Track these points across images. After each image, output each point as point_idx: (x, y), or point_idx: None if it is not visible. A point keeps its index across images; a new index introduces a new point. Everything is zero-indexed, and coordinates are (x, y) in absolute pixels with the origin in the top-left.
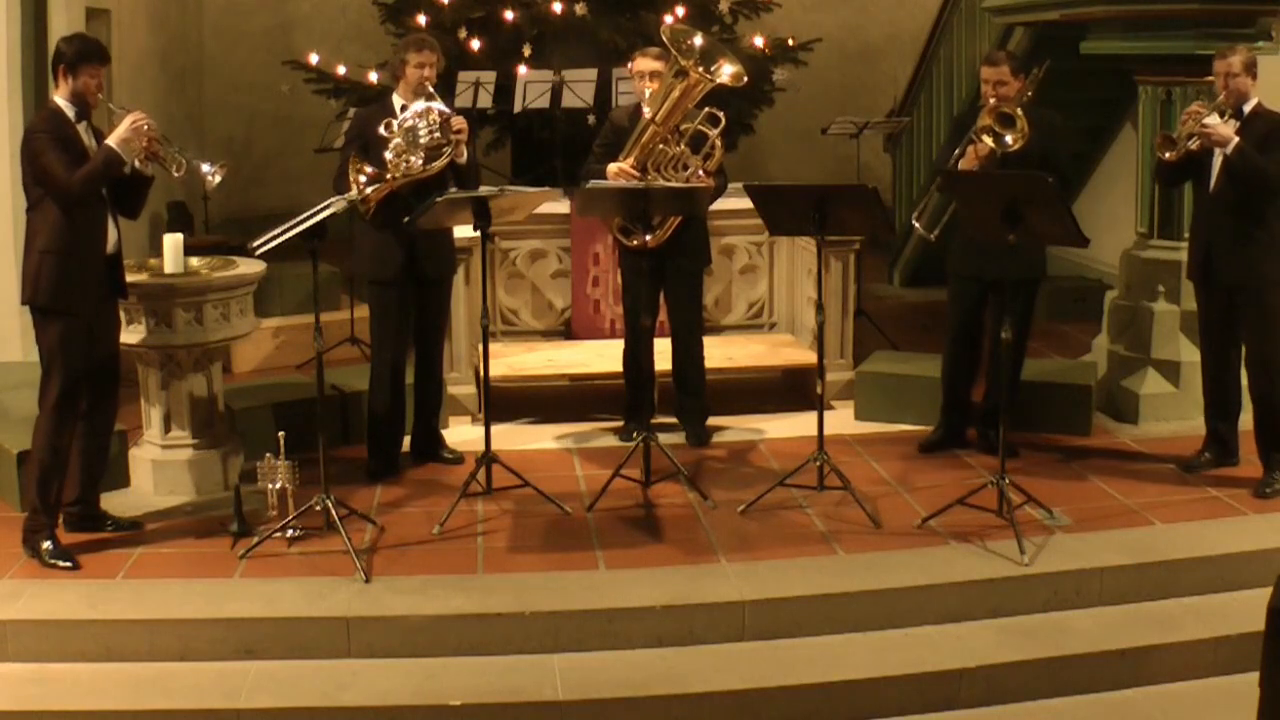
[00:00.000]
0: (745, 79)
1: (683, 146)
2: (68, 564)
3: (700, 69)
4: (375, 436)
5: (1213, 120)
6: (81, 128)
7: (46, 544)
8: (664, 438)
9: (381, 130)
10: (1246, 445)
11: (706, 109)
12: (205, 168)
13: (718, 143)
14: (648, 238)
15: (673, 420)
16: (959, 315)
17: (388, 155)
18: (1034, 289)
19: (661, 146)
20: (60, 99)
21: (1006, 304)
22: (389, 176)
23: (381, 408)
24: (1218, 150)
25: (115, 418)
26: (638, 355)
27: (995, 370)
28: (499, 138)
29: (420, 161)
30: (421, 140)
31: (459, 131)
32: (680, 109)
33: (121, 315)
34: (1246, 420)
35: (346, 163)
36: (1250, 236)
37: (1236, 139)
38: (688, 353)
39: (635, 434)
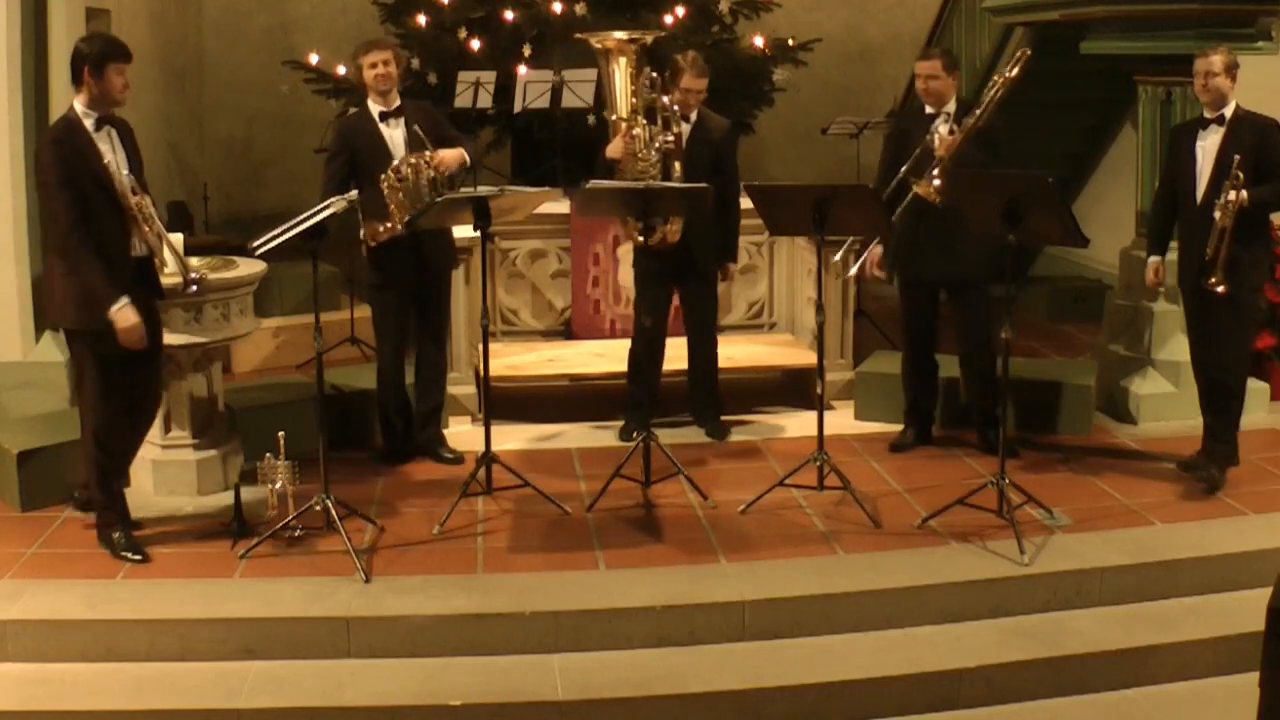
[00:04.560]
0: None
1: (643, 121)
2: (138, 557)
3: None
4: (386, 422)
5: (1232, 201)
6: (101, 135)
7: (118, 534)
8: (664, 437)
9: (382, 185)
10: (1247, 445)
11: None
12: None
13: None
14: (666, 230)
15: (674, 419)
16: (909, 320)
17: (392, 206)
18: (983, 290)
19: (637, 132)
20: (79, 105)
21: (956, 307)
22: (397, 225)
23: (389, 399)
24: (1201, 160)
25: (154, 414)
26: (646, 354)
27: (968, 370)
28: (499, 138)
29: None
30: (424, 193)
31: (439, 166)
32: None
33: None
34: (1246, 420)
35: (334, 174)
36: (1240, 245)
37: (1245, 194)
38: (702, 352)
39: (635, 434)
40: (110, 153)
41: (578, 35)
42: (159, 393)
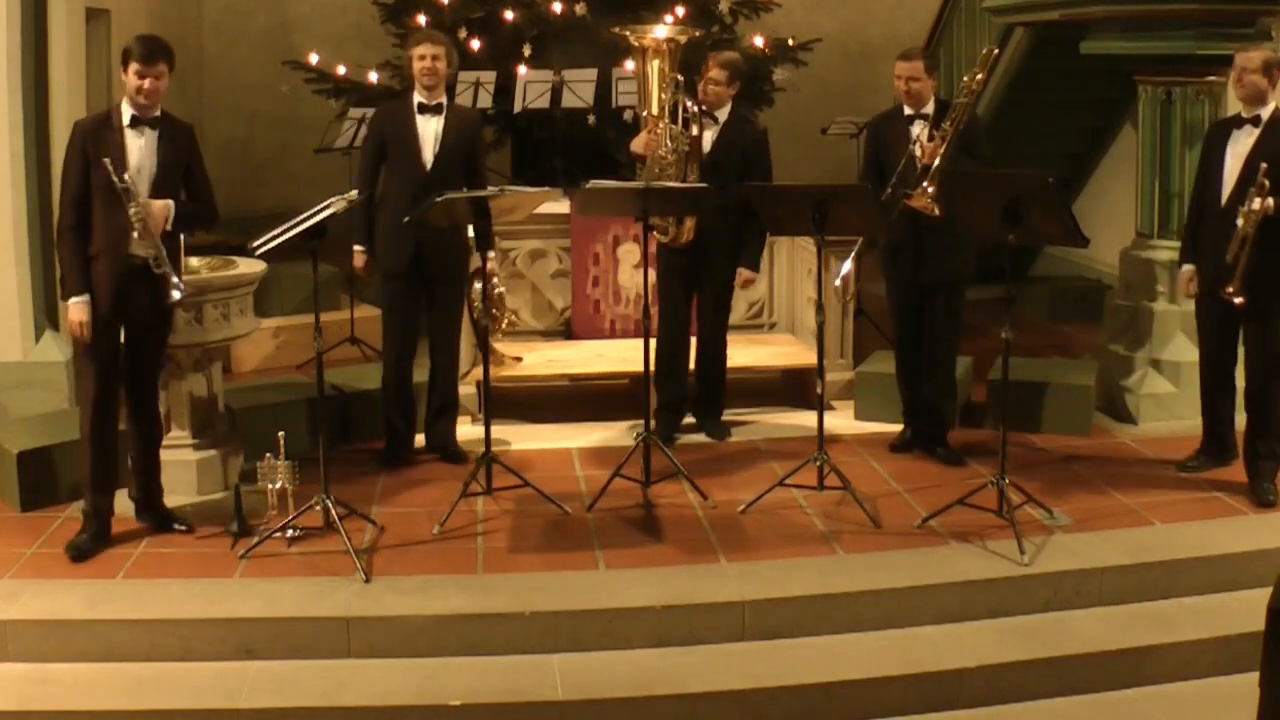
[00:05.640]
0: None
1: (666, 121)
2: (73, 554)
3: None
4: (388, 426)
5: (1256, 210)
6: (135, 132)
7: (81, 535)
8: (686, 437)
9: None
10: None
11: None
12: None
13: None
14: (680, 230)
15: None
16: (901, 322)
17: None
18: (958, 291)
19: (660, 130)
20: (126, 97)
21: (934, 307)
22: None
23: (392, 398)
24: (1230, 161)
25: (156, 408)
26: (666, 353)
27: (929, 370)
28: (499, 138)
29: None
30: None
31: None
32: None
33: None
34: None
35: (365, 159)
36: (1268, 250)
37: (1271, 201)
38: (710, 353)
39: (636, 434)
40: (135, 152)
41: (614, 30)
42: (155, 392)
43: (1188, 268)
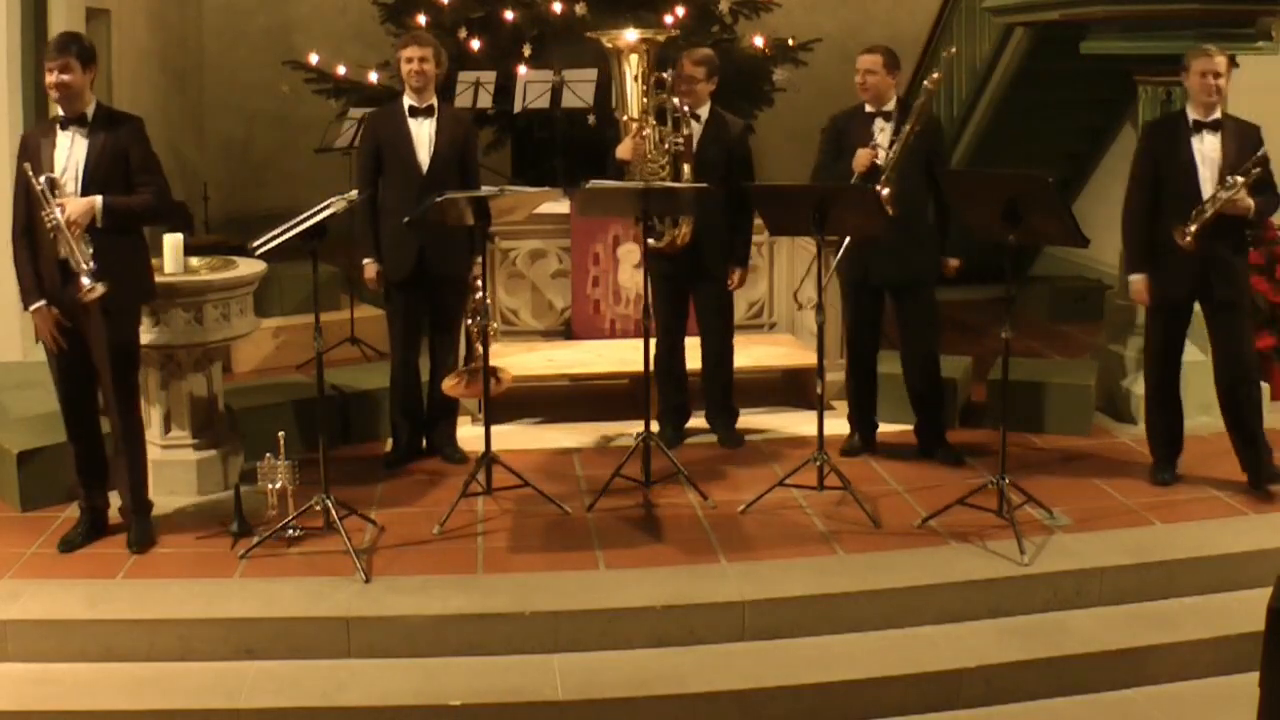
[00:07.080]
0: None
1: (653, 121)
2: (62, 547)
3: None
4: (395, 431)
5: (1241, 195)
6: (66, 134)
7: (74, 529)
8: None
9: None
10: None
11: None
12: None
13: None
14: (676, 233)
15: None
16: (857, 322)
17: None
18: (928, 292)
19: (647, 133)
20: None
21: (904, 310)
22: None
23: (397, 400)
24: (1204, 169)
25: (119, 415)
26: (666, 358)
27: (916, 374)
28: (499, 138)
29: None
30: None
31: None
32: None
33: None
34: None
35: (361, 165)
36: (1239, 252)
37: (1252, 203)
38: (714, 356)
39: (636, 435)
40: (62, 151)
41: (589, 35)
42: (111, 399)
43: (1141, 276)
